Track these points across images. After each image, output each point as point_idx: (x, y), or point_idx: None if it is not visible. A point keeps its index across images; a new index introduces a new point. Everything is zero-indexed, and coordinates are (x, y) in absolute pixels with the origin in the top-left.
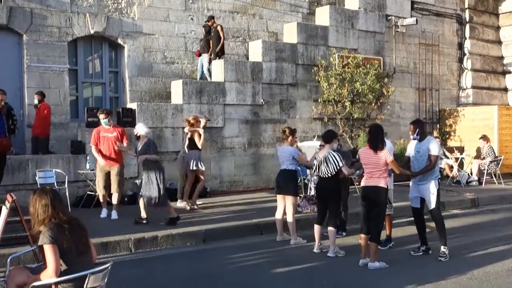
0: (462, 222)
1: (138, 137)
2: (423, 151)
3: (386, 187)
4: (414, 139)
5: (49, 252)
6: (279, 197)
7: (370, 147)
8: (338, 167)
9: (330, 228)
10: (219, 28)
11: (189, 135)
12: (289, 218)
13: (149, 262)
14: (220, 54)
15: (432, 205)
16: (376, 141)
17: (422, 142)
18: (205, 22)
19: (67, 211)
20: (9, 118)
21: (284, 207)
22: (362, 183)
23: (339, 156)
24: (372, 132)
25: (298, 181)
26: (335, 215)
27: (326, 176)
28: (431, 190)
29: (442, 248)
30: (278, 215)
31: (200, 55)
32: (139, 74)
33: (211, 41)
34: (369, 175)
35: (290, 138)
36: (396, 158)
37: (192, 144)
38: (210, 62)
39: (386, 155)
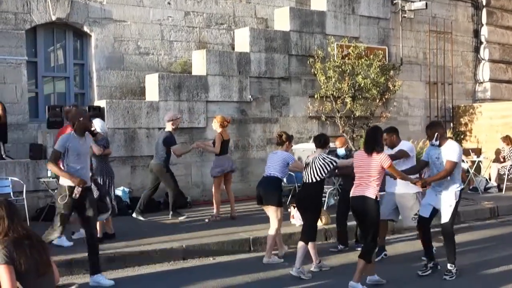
0: (479, 235)
1: (94, 134)
2: (443, 158)
3: (374, 197)
4: (432, 145)
5: (4, 274)
6: (265, 209)
7: (364, 150)
8: (333, 165)
9: (300, 243)
10: None
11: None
12: (271, 231)
13: (119, 285)
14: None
15: (446, 218)
16: (372, 142)
17: (442, 147)
18: None
19: (26, 225)
20: None
21: None
22: (351, 193)
23: (329, 157)
24: (369, 133)
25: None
26: (311, 228)
27: (309, 181)
28: (449, 201)
29: (449, 266)
30: (271, 230)
31: None
32: (108, 67)
33: None
34: (357, 182)
35: (286, 144)
36: None
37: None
38: None
39: (382, 159)
